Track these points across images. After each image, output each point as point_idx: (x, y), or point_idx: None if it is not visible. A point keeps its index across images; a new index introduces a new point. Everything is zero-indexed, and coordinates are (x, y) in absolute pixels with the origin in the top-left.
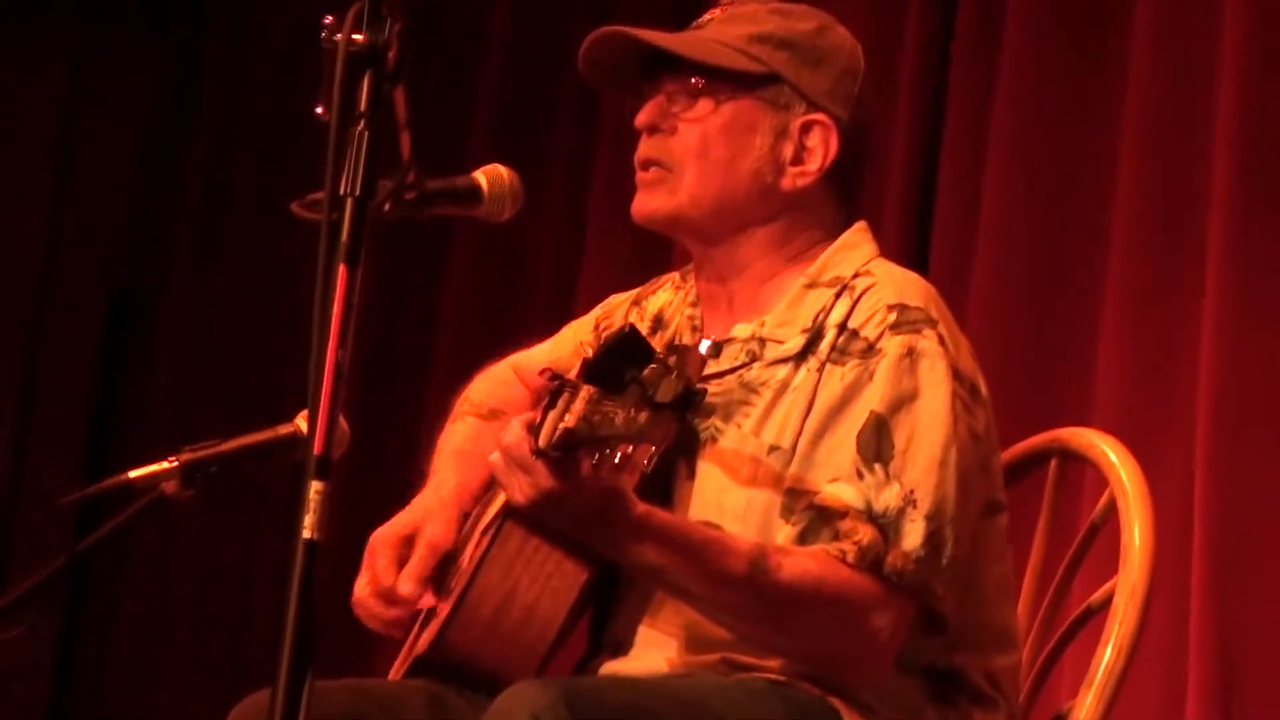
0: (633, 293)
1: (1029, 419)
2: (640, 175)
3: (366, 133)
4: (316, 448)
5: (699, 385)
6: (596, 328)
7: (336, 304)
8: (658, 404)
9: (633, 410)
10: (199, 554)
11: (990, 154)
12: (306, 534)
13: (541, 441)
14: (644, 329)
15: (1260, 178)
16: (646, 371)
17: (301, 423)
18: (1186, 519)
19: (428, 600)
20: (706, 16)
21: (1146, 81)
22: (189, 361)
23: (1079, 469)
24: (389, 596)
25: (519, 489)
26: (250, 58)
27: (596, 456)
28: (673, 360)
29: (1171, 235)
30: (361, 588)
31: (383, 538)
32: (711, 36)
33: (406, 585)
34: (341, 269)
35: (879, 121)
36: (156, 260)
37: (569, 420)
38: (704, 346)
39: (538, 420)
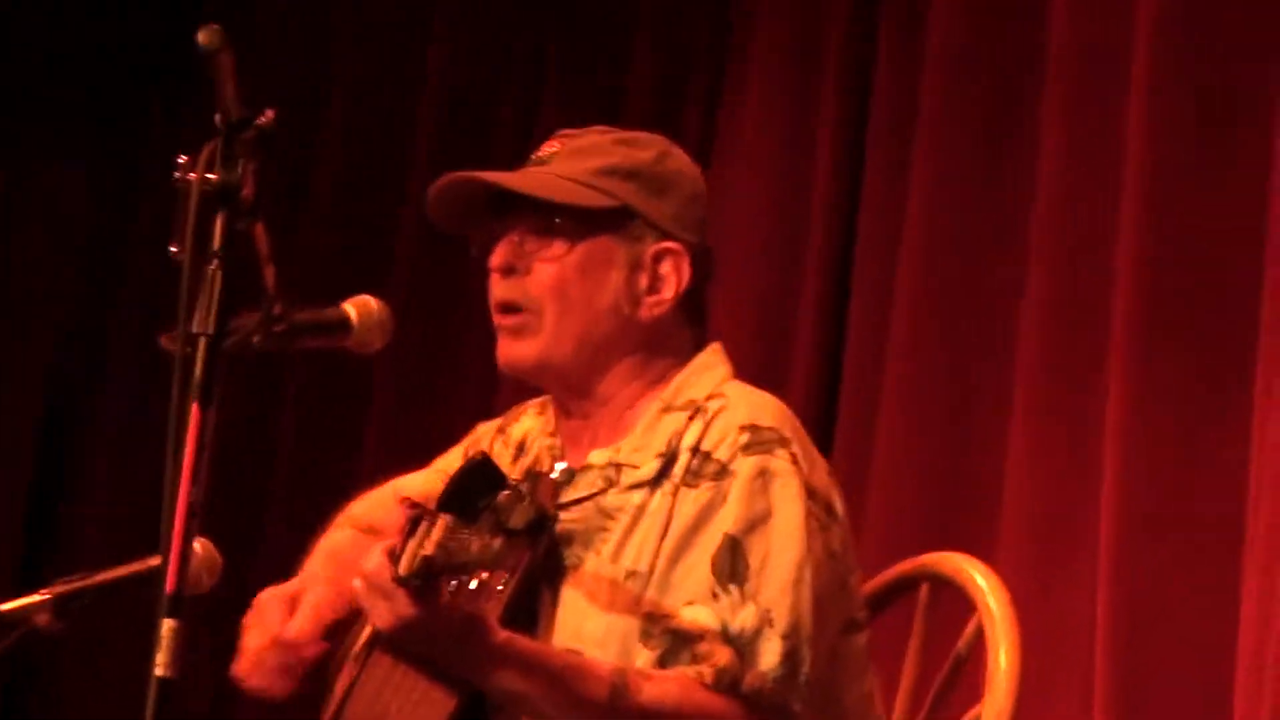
0: (498, 421)
1: (938, 528)
2: (500, 321)
3: (220, 271)
4: (169, 586)
5: (552, 511)
6: (465, 455)
7: (189, 443)
8: (511, 530)
9: (487, 537)
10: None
11: (903, 251)
12: (159, 671)
13: (402, 569)
14: (507, 456)
15: (1163, 284)
16: (500, 499)
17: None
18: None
19: (313, 650)
20: (547, 150)
21: (1055, 172)
22: (123, 478)
23: (955, 594)
24: (279, 643)
25: (381, 616)
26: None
27: (454, 583)
28: (525, 487)
29: (1080, 337)
30: (252, 641)
31: (269, 595)
32: (558, 172)
33: (295, 629)
34: (194, 408)
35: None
36: (91, 377)
37: (427, 548)
38: (557, 472)
39: (398, 548)
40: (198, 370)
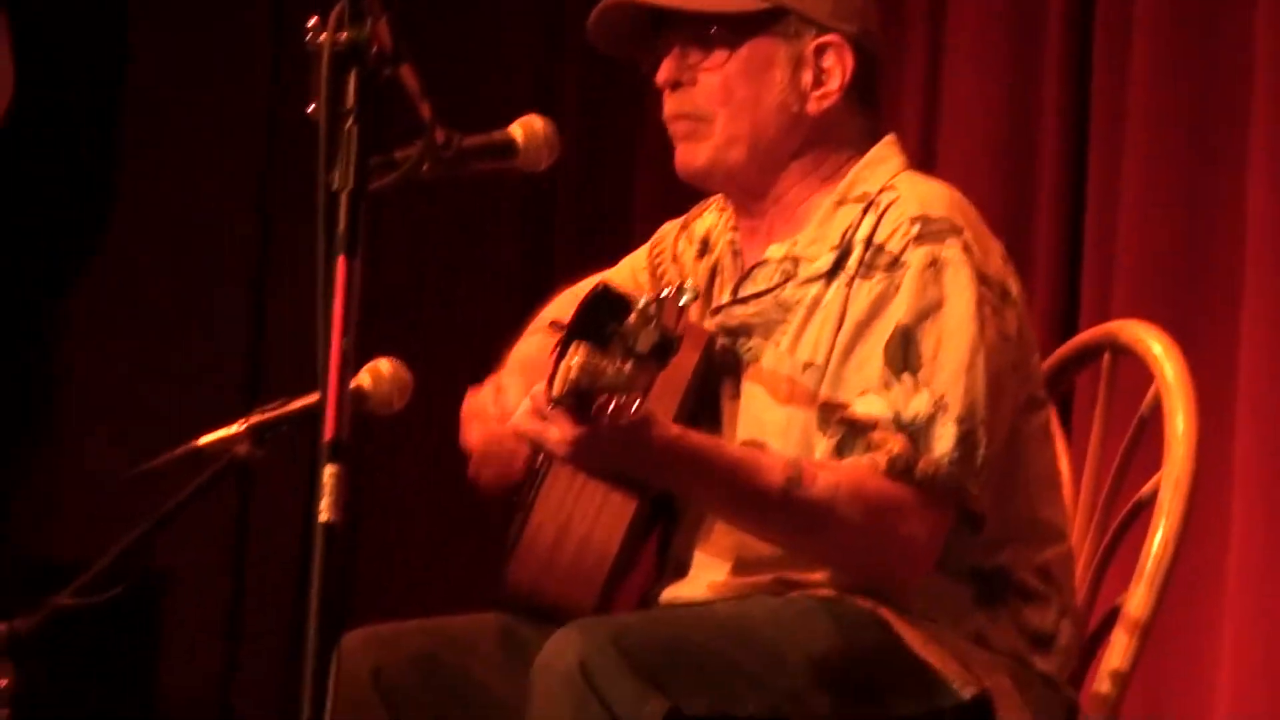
0: (682, 219)
1: (1177, 314)
2: (673, 129)
3: (355, 128)
4: (328, 433)
5: (676, 333)
6: (651, 254)
7: (338, 294)
8: (638, 354)
9: (619, 361)
10: (426, 461)
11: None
12: (324, 516)
13: (556, 391)
14: (692, 252)
15: None
16: (626, 324)
17: (384, 364)
18: None
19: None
20: None
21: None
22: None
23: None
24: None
25: (547, 439)
26: None
27: (610, 399)
28: (652, 310)
29: None
30: (475, 435)
31: (473, 398)
32: None
33: (512, 404)
34: (341, 260)
35: (885, 26)
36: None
37: (573, 372)
38: (684, 298)
39: (552, 373)
40: (342, 222)
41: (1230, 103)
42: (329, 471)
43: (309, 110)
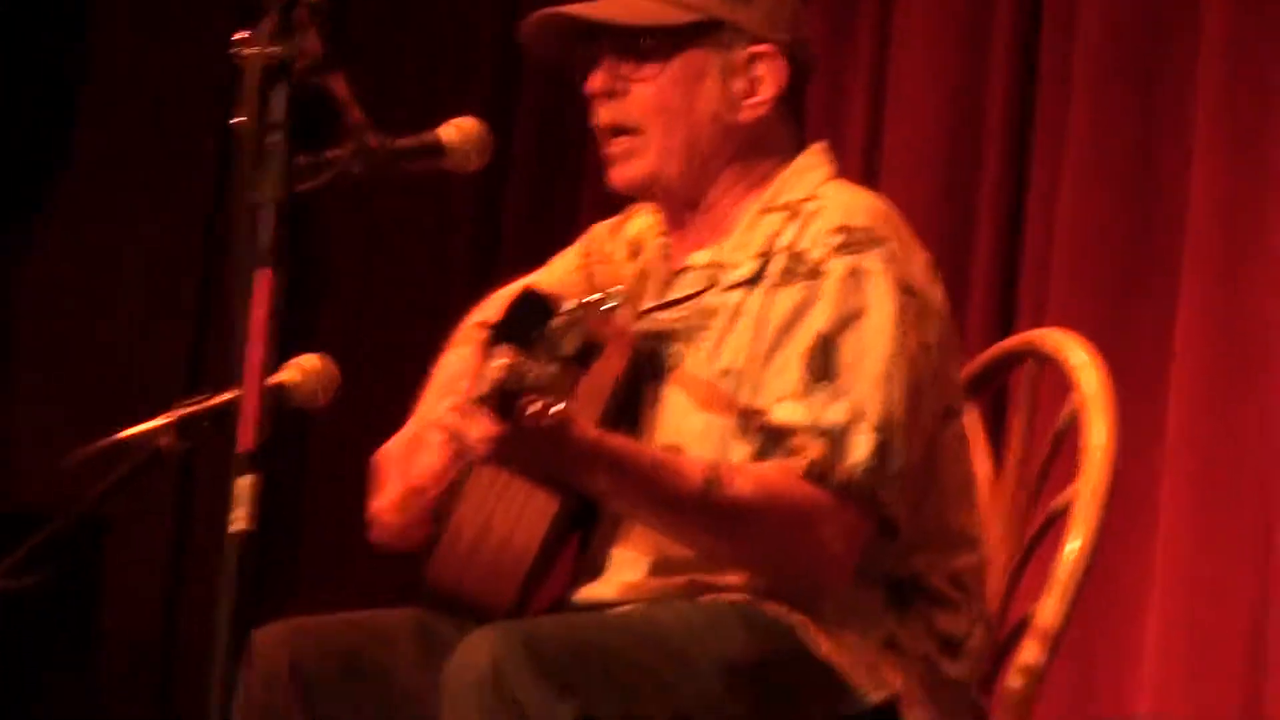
0: (613, 220)
1: (1112, 320)
2: (608, 148)
3: (282, 142)
4: (243, 444)
5: (600, 339)
6: (582, 254)
7: (258, 306)
8: (563, 357)
9: (543, 363)
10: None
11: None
12: (237, 526)
13: (479, 391)
14: (622, 254)
15: None
16: (551, 327)
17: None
18: None
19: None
20: None
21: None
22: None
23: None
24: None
25: (471, 438)
26: None
27: (535, 401)
28: (578, 314)
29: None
30: (384, 499)
31: (388, 449)
32: None
33: (420, 471)
34: (264, 273)
35: (815, 35)
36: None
37: (497, 372)
38: (610, 303)
39: (480, 372)
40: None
41: (1172, 116)
42: (243, 482)
43: (234, 122)
